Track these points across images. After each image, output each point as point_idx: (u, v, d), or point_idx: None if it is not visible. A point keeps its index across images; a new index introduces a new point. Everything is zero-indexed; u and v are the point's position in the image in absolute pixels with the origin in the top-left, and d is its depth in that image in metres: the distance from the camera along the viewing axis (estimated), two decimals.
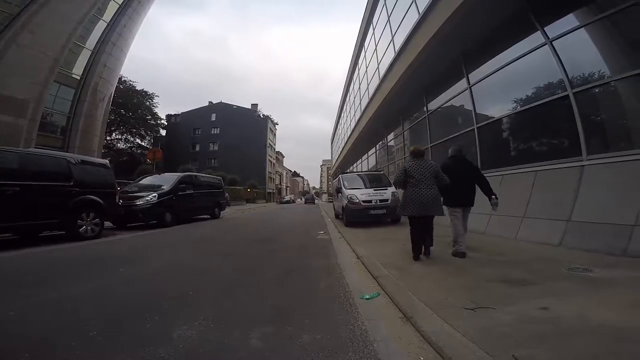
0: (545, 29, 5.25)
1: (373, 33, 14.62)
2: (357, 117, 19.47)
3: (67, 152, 15.33)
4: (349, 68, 23.09)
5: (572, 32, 4.80)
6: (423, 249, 4.10)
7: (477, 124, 7.29)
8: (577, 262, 3.45)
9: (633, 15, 4.04)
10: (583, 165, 4.53)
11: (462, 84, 7.95)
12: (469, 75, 7.69)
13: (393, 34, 11.02)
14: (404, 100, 11.75)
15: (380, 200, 8.51)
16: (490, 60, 6.79)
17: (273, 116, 64.21)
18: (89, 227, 6.81)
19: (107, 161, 8.42)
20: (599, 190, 4.22)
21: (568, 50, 4.94)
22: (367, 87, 16.18)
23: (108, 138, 37.63)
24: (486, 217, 6.04)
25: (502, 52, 6.40)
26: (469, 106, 7.67)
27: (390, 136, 15.70)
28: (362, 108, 17.45)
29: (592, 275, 2.96)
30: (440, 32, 6.96)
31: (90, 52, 20.59)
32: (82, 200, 6.65)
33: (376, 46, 13.98)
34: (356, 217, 8.64)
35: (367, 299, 2.78)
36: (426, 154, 5.17)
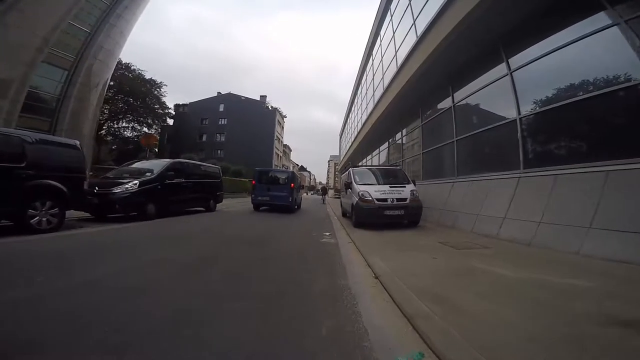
0: None
1: (391, 19, 13.44)
2: (370, 109, 18.27)
3: (54, 134, 14.45)
4: (362, 59, 21.88)
5: None
6: None
7: (520, 114, 6.12)
8: None
9: None
10: None
11: (501, 68, 6.78)
12: (509, 60, 6.53)
13: (415, 17, 9.85)
14: (424, 89, 10.57)
15: (398, 200, 7.37)
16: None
17: (281, 108, 62.89)
18: (44, 219, 5.58)
19: (77, 142, 6.86)
20: None
21: None
22: (382, 78, 14.98)
23: (115, 126, 37.30)
24: (534, 225, 4.90)
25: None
26: (509, 95, 6.49)
27: (404, 131, 14.54)
28: (375, 100, 16.28)
29: None
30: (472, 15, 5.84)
31: (86, 33, 19.47)
32: (36, 186, 5.44)
33: (394, 32, 12.78)
34: (368, 217, 7.47)
35: None
36: None
